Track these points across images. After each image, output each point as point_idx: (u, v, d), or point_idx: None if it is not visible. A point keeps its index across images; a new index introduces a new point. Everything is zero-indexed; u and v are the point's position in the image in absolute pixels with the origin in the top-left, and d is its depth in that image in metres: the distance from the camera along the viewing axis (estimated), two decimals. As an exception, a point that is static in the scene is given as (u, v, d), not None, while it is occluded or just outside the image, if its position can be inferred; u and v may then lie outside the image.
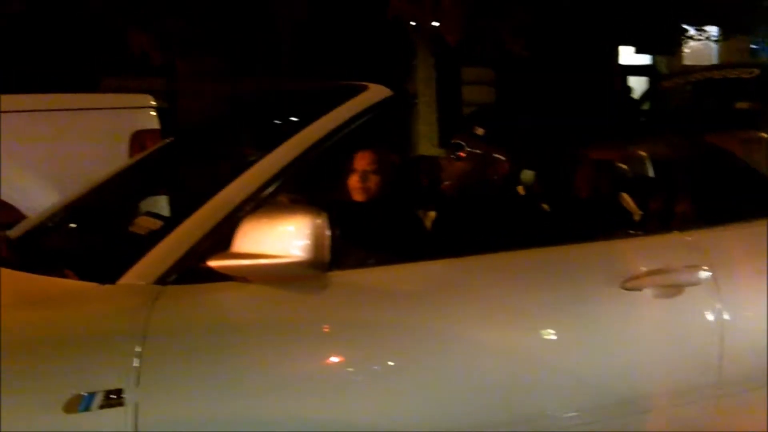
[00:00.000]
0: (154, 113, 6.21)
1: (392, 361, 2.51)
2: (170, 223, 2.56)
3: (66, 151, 5.97)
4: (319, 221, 2.35)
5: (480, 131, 3.22)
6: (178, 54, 11.06)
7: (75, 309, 2.36)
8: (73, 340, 2.28)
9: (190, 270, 2.44)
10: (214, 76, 11.09)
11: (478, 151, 3.21)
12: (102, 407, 2.22)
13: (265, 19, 11.23)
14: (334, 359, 2.49)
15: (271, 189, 2.57)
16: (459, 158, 3.21)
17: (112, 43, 11.39)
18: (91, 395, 2.22)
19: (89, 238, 2.90)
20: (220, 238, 2.46)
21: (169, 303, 2.36)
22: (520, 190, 3.36)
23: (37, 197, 5.82)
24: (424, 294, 2.62)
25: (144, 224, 2.85)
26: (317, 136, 2.67)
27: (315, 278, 2.46)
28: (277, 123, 3.28)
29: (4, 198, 5.83)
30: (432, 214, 3.12)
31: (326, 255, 2.36)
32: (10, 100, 6.16)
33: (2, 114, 5.93)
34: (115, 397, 2.23)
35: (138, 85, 11.70)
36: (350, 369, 2.49)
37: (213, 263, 2.40)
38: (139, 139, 6.06)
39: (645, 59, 18.01)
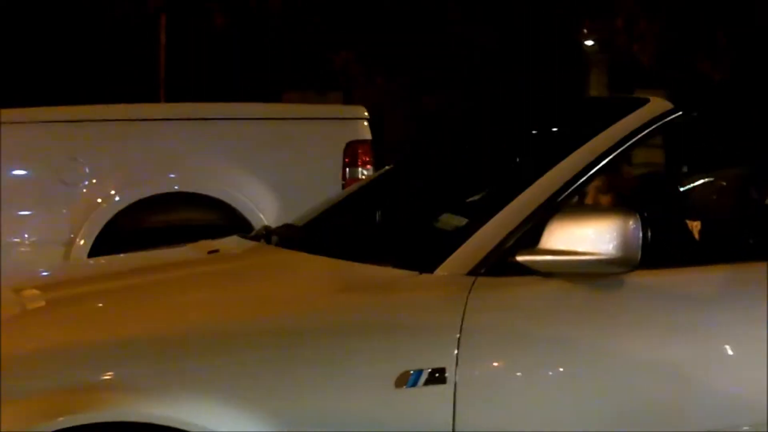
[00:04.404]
0: (366, 124, 6.47)
1: (688, 361, 2.65)
2: (474, 221, 2.76)
3: (285, 157, 6.29)
4: (631, 221, 2.50)
5: None
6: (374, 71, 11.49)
7: (403, 295, 2.60)
8: (403, 322, 2.52)
9: (497, 263, 2.63)
10: (403, 94, 11.46)
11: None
12: (426, 384, 2.43)
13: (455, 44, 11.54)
14: (630, 355, 2.62)
15: (567, 193, 2.74)
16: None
17: (299, 58, 11.88)
18: (419, 372, 2.43)
19: (399, 232, 3.14)
20: (524, 235, 2.64)
21: (482, 293, 2.56)
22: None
23: (258, 201, 6.17)
24: (723, 297, 2.74)
25: (448, 221, 3.08)
26: (610, 143, 2.82)
27: (614, 277, 2.62)
28: (558, 131, 3.45)
29: (228, 200, 6.17)
30: (697, 224, 3.24)
31: (638, 255, 2.50)
32: (236, 108, 6.56)
33: (228, 121, 6.33)
34: (438, 375, 2.44)
35: (318, 100, 12.12)
36: (641, 368, 2.63)
37: (521, 258, 2.59)
38: (351, 149, 6.33)
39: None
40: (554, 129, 3.47)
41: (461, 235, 2.70)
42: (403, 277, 2.63)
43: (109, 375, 2.32)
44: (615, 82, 13.19)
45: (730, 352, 2.67)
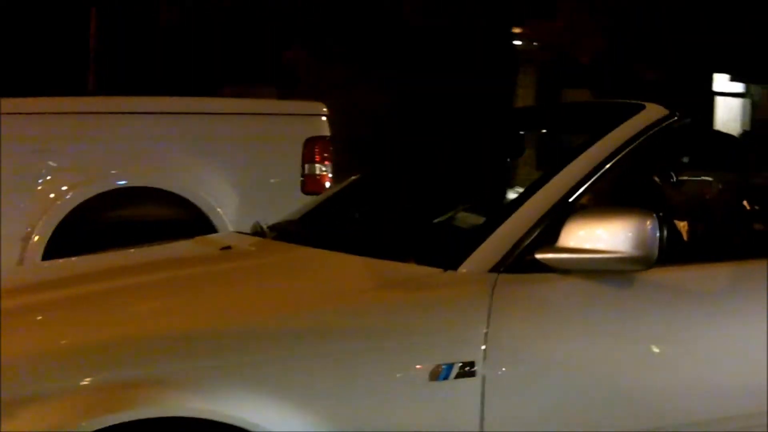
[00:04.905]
0: (325, 120, 6.51)
1: (706, 351, 2.82)
2: (492, 220, 2.88)
3: (244, 153, 6.30)
4: (649, 221, 2.64)
5: None
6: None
7: (432, 291, 2.70)
8: (435, 317, 2.62)
9: (517, 261, 2.75)
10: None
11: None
12: (457, 377, 2.54)
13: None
14: (644, 350, 2.77)
15: (576, 194, 2.86)
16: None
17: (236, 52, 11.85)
18: (450, 366, 2.54)
19: (419, 229, 3.24)
20: (541, 233, 2.77)
21: (506, 290, 2.67)
22: (746, 204, 3.64)
23: (217, 196, 6.18)
24: (736, 292, 2.92)
25: (465, 219, 3.18)
26: (614, 147, 2.96)
27: (629, 274, 2.76)
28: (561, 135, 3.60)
29: (186, 195, 6.14)
30: (684, 224, 3.41)
31: (655, 253, 2.64)
32: (195, 103, 6.55)
33: (187, 116, 6.31)
34: (468, 368, 2.55)
35: (254, 93, 12.08)
36: (657, 361, 2.78)
37: (540, 255, 2.72)
38: (310, 145, 6.38)
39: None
40: (557, 132, 3.62)
41: (481, 234, 2.81)
42: (429, 275, 2.73)
43: (155, 371, 2.34)
44: (542, 82, 13.43)
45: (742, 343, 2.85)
